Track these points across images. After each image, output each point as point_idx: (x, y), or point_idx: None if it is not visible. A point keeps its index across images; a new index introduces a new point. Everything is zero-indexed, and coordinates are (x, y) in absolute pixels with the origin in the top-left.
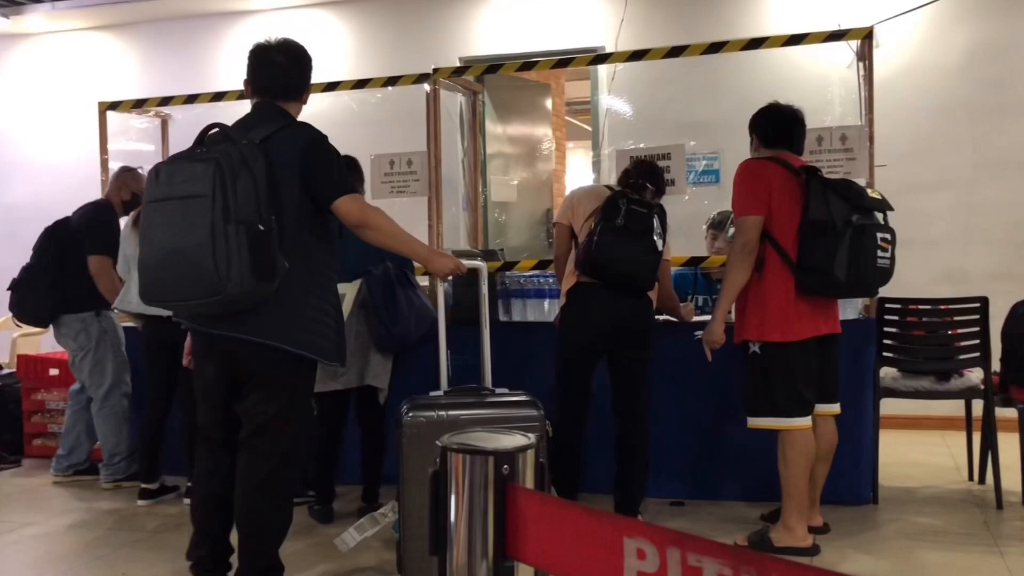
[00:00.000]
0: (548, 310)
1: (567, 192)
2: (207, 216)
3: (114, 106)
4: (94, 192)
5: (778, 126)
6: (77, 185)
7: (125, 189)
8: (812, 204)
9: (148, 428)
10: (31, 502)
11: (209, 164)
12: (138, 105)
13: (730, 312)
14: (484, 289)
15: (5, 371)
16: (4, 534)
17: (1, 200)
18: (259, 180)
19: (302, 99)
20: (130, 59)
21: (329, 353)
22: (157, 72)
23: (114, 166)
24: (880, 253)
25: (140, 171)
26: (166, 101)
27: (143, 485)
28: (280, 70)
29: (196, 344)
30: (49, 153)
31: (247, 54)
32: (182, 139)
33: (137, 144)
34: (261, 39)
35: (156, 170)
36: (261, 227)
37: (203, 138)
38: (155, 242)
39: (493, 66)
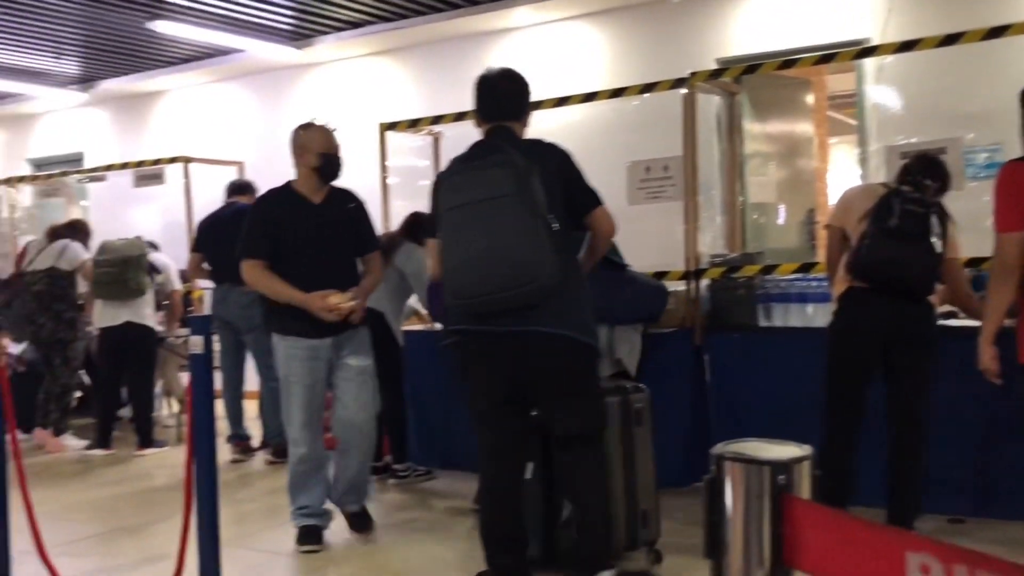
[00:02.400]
0: (812, 315)
1: (829, 191)
2: (517, 212)
3: (392, 126)
4: (376, 208)
5: None
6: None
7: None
8: None
9: None
10: None
11: (507, 168)
12: (413, 125)
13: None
14: None
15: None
16: None
17: None
18: (543, 183)
19: (525, 120)
20: (406, 81)
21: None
22: (430, 91)
23: (392, 183)
24: None
25: None
26: (437, 120)
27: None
28: (507, 95)
29: (473, 350)
30: None
31: (474, 85)
32: (452, 154)
33: (413, 160)
34: (486, 69)
35: (445, 180)
36: (555, 224)
37: (475, 152)
38: (465, 243)
39: (751, 66)
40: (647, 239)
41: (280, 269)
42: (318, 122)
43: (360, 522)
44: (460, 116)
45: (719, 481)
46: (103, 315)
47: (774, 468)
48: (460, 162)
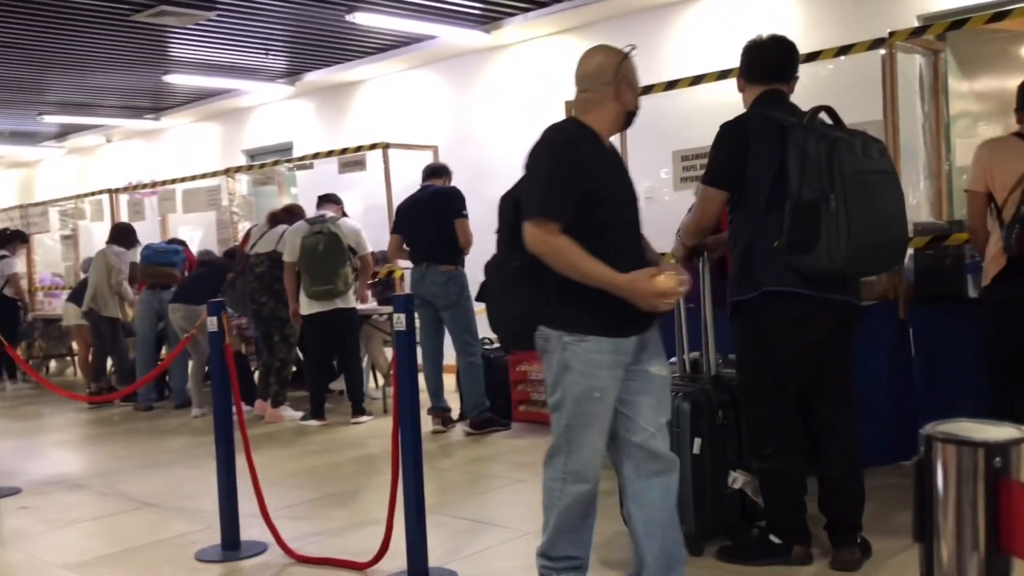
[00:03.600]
0: None
1: None
2: (899, 190)
3: None
4: None
5: None
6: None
7: None
8: None
9: None
10: (519, 461)
11: (879, 143)
12: None
13: None
14: None
15: (495, 345)
16: (498, 488)
17: (486, 197)
18: None
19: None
20: None
21: None
22: None
23: None
24: None
25: None
26: None
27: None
28: (782, 58)
29: (796, 312)
30: (524, 152)
31: (744, 50)
32: (637, 129)
33: None
34: (752, 36)
35: (846, 143)
36: None
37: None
38: (881, 210)
39: (957, 22)
40: None
41: (581, 235)
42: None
43: None
44: (646, 90)
45: (929, 463)
46: (310, 305)
47: (989, 450)
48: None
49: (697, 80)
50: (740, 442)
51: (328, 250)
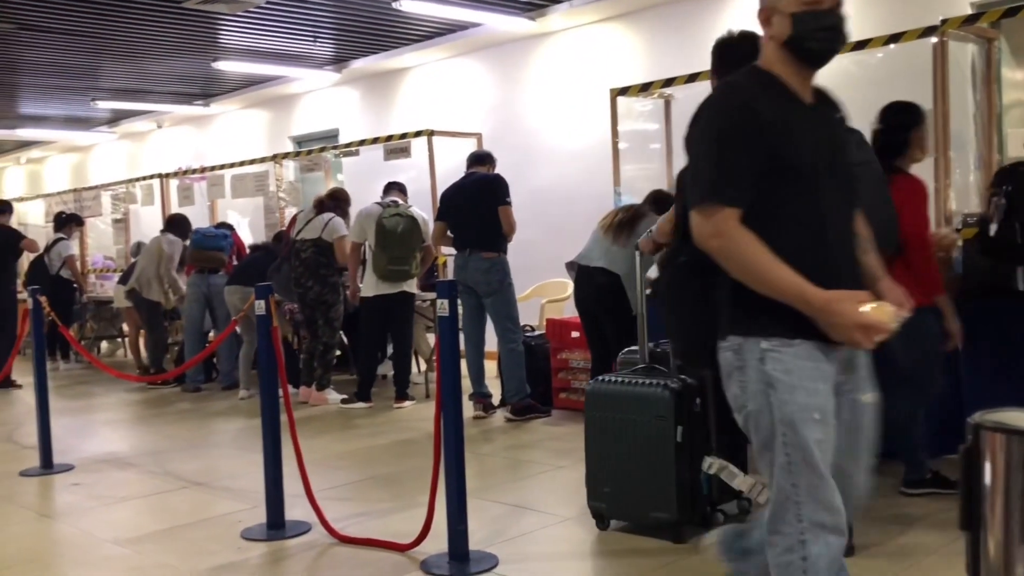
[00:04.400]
0: None
1: None
2: (878, 178)
3: (623, 91)
4: (607, 174)
5: None
6: (592, 167)
7: None
8: None
9: None
10: (559, 448)
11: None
12: (644, 88)
13: None
14: None
15: (536, 332)
16: (539, 474)
17: (530, 184)
18: None
19: None
20: (636, 45)
21: None
22: (659, 55)
23: (623, 147)
24: None
25: None
26: (669, 82)
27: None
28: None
29: None
30: (568, 140)
31: (714, 48)
32: (684, 117)
33: (643, 125)
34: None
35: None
36: None
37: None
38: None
39: (1012, 9)
40: None
41: (762, 225)
42: None
43: None
44: (692, 77)
45: (977, 452)
46: (377, 286)
47: None
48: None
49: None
50: (708, 430)
51: (407, 232)
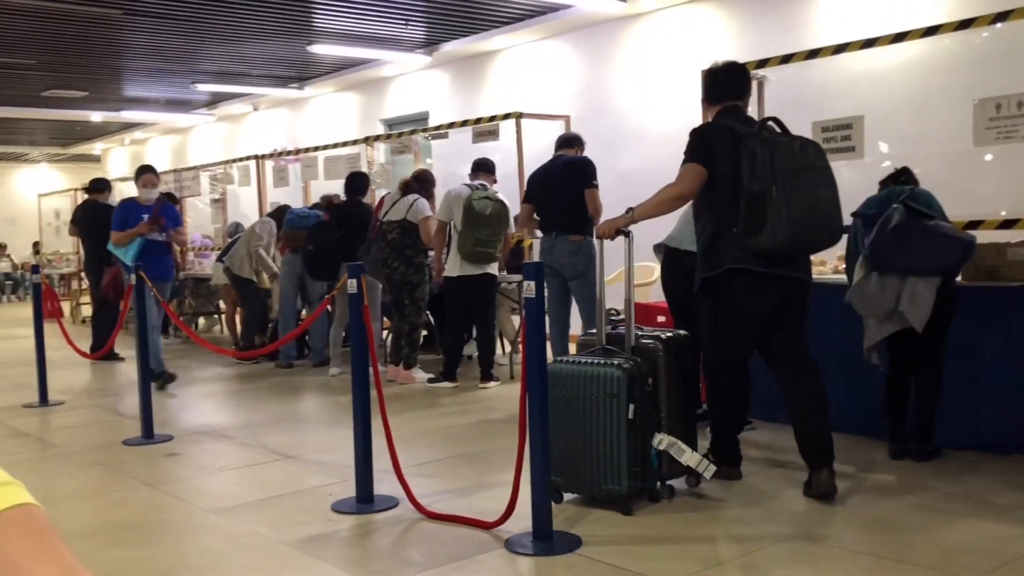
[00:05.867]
0: None
1: None
2: (832, 182)
3: None
4: None
5: None
6: (682, 150)
7: None
8: None
9: None
10: None
11: (816, 145)
12: None
13: None
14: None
15: (620, 316)
16: None
17: (619, 166)
18: None
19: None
20: (727, 26)
21: None
22: (752, 36)
23: None
24: None
25: None
26: (762, 64)
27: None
28: (735, 79)
29: (748, 286)
30: (658, 121)
31: (703, 76)
32: (777, 99)
33: None
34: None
35: (786, 146)
36: None
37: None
38: (814, 198)
39: None
40: (997, 183)
41: None
42: None
43: None
44: (787, 59)
45: None
46: (462, 267)
47: None
48: (780, 134)
49: (840, 49)
50: (659, 409)
51: (496, 216)
